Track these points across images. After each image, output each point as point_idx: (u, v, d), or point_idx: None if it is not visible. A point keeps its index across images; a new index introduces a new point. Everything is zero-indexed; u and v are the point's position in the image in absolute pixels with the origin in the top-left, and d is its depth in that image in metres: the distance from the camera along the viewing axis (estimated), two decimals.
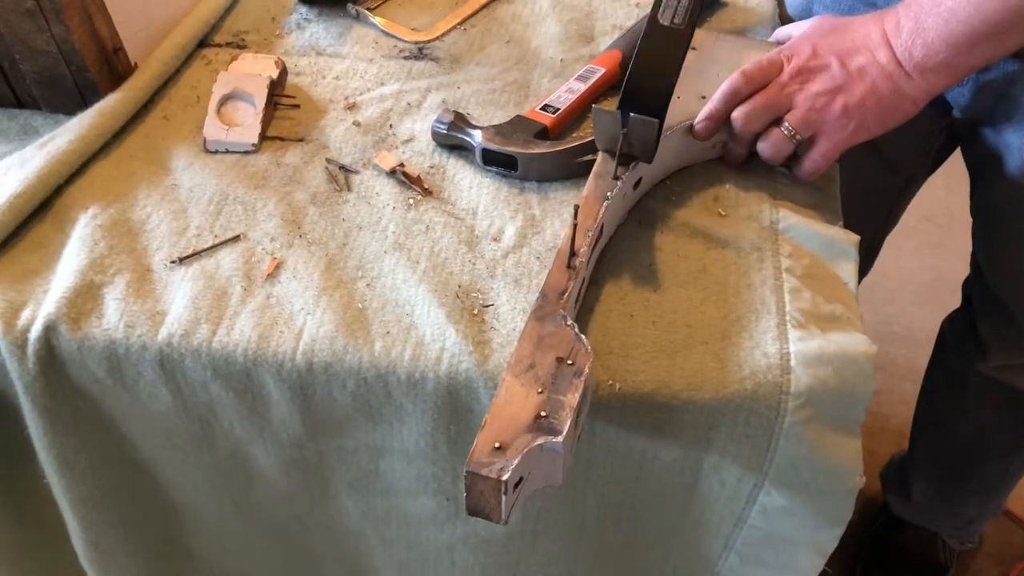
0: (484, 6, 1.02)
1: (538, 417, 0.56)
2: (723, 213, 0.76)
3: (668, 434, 0.66)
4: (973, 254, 1.12)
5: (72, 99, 0.85)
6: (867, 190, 1.11)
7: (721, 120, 0.77)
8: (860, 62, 0.74)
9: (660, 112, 0.70)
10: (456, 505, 0.75)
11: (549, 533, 0.77)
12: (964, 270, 1.17)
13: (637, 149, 0.72)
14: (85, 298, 0.70)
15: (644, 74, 0.71)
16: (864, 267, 1.35)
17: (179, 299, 0.70)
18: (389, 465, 0.74)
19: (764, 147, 0.77)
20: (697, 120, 0.77)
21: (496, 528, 0.77)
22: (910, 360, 1.82)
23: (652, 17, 0.73)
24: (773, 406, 0.63)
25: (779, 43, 0.85)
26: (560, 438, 0.54)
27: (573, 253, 0.65)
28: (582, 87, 0.86)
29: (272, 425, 0.72)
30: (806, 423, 0.64)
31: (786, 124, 0.75)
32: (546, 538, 0.78)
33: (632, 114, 0.70)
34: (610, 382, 0.64)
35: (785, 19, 1.01)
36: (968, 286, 1.19)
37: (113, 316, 0.69)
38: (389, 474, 0.74)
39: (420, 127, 0.85)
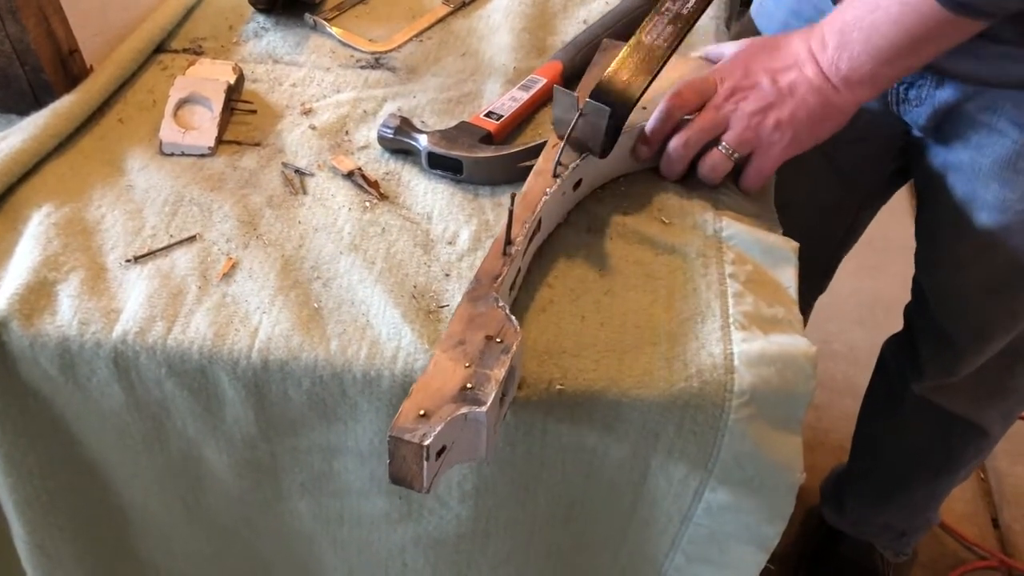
0: (440, 20, 1.04)
1: (464, 389, 0.57)
2: (667, 221, 0.78)
3: (617, 431, 0.68)
4: (915, 279, 1.16)
5: (26, 100, 0.85)
6: (825, 207, 1.15)
7: (658, 142, 0.80)
8: (790, 78, 0.77)
9: (623, 111, 0.73)
10: (408, 504, 0.76)
11: (500, 533, 0.78)
12: (900, 291, 1.20)
13: (589, 138, 0.74)
14: (38, 295, 0.70)
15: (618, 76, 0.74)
16: (820, 285, 1.39)
17: (134, 297, 0.70)
18: (343, 465, 0.74)
19: (704, 168, 0.79)
20: (635, 145, 0.80)
21: (447, 528, 0.78)
22: (849, 377, 1.87)
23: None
24: (718, 404, 0.66)
25: (711, 60, 0.88)
26: (484, 408, 0.56)
27: (509, 241, 0.67)
28: (524, 96, 0.88)
29: (225, 424, 0.72)
30: (749, 420, 0.66)
31: (724, 144, 0.78)
32: (497, 538, 0.79)
33: (588, 99, 0.72)
34: (562, 380, 0.66)
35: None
36: (909, 311, 1.22)
37: (67, 313, 0.69)
38: (342, 474, 0.75)
39: (376, 134, 0.86)
